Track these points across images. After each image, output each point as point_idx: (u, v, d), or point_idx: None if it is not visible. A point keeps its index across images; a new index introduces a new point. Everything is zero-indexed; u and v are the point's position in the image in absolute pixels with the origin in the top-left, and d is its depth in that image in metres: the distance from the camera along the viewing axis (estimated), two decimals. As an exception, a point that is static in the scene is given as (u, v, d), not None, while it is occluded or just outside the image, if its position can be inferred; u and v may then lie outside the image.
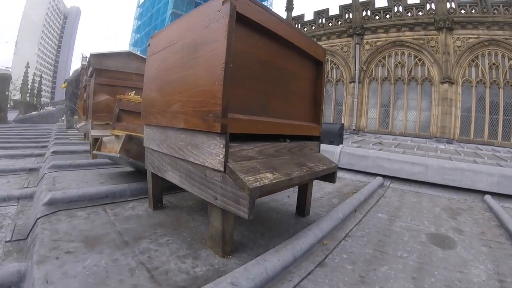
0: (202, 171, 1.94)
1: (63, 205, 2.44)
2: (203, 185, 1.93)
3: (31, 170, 4.09)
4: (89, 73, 5.78)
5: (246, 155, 1.96)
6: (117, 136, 3.50)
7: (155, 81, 2.48)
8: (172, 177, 2.23)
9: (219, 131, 1.75)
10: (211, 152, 1.86)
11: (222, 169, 1.78)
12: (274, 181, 1.84)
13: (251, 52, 1.99)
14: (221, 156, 1.79)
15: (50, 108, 32.31)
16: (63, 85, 12.25)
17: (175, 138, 2.16)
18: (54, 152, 5.07)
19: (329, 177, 2.90)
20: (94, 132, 4.98)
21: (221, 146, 1.80)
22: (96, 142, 4.03)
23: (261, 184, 1.72)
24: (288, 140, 2.49)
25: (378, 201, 3.83)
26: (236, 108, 1.88)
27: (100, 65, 5.20)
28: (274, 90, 2.37)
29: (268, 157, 2.20)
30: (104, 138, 3.77)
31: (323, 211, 3.14)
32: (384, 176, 5.18)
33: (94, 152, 3.70)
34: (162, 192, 2.73)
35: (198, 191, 1.95)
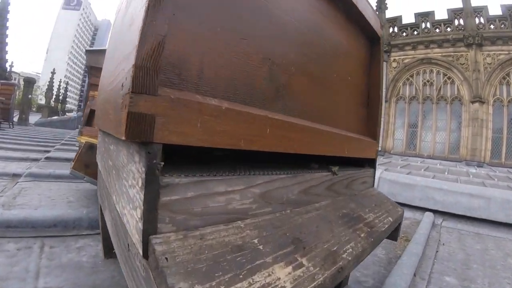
0: (125, 234, 0.88)
1: (-3, 229, 1.84)
2: (127, 265, 0.89)
3: (14, 175, 3.66)
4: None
5: (221, 210, 0.84)
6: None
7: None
8: (108, 221, 1.36)
9: (124, 137, 0.65)
10: (129, 194, 0.79)
11: (141, 251, 0.69)
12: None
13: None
14: (139, 211, 0.70)
15: (72, 114, 32.27)
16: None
17: (107, 152, 1.32)
18: (48, 158, 4.68)
19: (392, 233, 1.68)
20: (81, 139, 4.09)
21: (140, 181, 0.71)
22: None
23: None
24: (332, 169, 1.36)
25: (437, 251, 2.98)
26: (198, 78, 0.86)
27: (97, 63, 4.41)
28: (302, 64, 1.24)
29: (286, 207, 1.05)
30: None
31: (368, 277, 2.18)
32: (434, 211, 4.16)
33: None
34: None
35: (123, 268, 0.96)
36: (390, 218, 1.56)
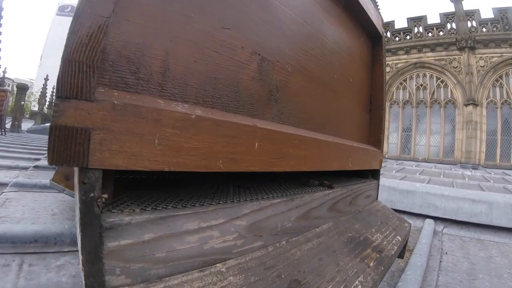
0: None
1: (-26, 245, 1.60)
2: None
3: (0, 185, 3.40)
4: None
5: (194, 252, 0.64)
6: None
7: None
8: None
9: (48, 162, 0.48)
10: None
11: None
12: None
13: None
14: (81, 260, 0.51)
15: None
16: None
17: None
18: (36, 167, 4.43)
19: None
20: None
21: (78, 222, 0.51)
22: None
23: None
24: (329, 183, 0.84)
25: (441, 262, 2.77)
26: (163, 76, 0.67)
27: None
28: (300, 61, 1.02)
29: (281, 238, 0.85)
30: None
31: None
32: (435, 218, 3.97)
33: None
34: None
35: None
36: (398, 237, 1.37)
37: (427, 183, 6.44)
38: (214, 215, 0.64)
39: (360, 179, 1.54)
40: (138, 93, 0.58)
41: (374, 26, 1.62)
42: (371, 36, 1.72)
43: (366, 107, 1.64)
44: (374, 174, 1.66)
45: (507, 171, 14.41)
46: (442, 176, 10.67)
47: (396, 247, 1.26)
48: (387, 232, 1.34)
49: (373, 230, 1.26)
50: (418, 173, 11.44)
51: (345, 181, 1.33)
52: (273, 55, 0.89)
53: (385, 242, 1.22)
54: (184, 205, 0.62)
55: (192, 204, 0.63)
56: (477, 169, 15.32)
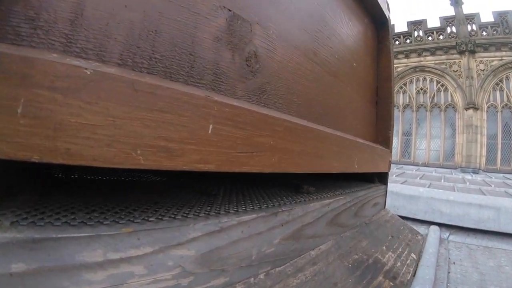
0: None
1: None
2: None
3: None
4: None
5: None
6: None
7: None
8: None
9: None
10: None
11: None
12: None
13: None
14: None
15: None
16: None
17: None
18: None
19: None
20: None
21: None
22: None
23: None
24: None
25: (449, 272, 2.43)
26: (72, 26, 0.40)
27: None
28: (290, 29, 0.79)
29: (258, 269, 0.57)
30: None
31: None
32: (440, 225, 3.65)
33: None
34: None
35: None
36: (413, 255, 1.11)
37: (428, 187, 6.27)
38: (132, 240, 0.38)
39: (365, 183, 1.28)
40: (33, 47, 0.33)
41: (379, 7, 1.37)
42: (376, 21, 1.47)
43: (372, 100, 1.38)
44: (381, 178, 1.40)
45: (507, 175, 14.10)
46: (442, 181, 10.45)
47: (411, 269, 1.01)
48: (400, 249, 1.08)
49: (384, 248, 1.00)
50: (418, 178, 11.19)
51: (347, 187, 1.07)
52: (250, 14, 0.63)
53: (398, 264, 0.96)
54: (82, 220, 0.37)
55: (109, 219, 0.38)
56: (477, 173, 15.01)
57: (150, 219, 0.43)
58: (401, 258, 1.02)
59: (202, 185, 0.80)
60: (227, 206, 0.58)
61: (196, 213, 0.49)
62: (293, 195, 0.77)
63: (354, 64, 1.18)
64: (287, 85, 0.73)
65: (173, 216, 0.46)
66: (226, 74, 0.56)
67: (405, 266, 0.99)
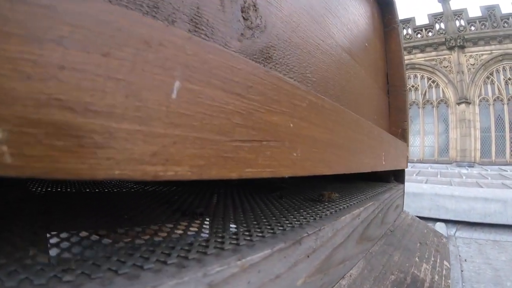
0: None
1: None
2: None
3: None
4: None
5: None
6: None
7: None
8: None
9: None
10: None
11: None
12: None
13: None
14: None
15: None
16: None
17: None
18: None
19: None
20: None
21: None
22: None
23: None
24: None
25: (462, 271, 2.53)
26: None
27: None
28: None
29: None
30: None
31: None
32: (446, 221, 3.66)
33: None
34: None
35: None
36: (446, 263, 0.92)
37: (425, 183, 6.26)
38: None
39: (383, 183, 1.10)
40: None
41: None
42: (380, 2, 1.29)
43: (384, 88, 1.21)
44: (398, 176, 1.22)
45: (503, 167, 14.08)
46: (439, 176, 10.43)
47: (449, 281, 0.82)
48: (433, 258, 0.89)
49: (417, 259, 0.81)
50: (415, 174, 11.13)
51: (368, 189, 0.88)
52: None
53: (436, 277, 0.78)
54: None
55: None
56: (473, 167, 15.02)
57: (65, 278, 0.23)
58: (437, 269, 0.83)
59: (185, 196, 0.60)
60: (220, 237, 0.37)
61: (162, 261, 0.29)
62: (312, 205, 0.58)
63: (366, 44, 0.99)
64: (299, 54, 0.53)
65: (114, 270, 0.26)
66: (211, 25, 0.36)
67: (443, 278, 0.80)
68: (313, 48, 0.58)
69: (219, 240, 0.35)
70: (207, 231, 0.39)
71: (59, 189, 0.74)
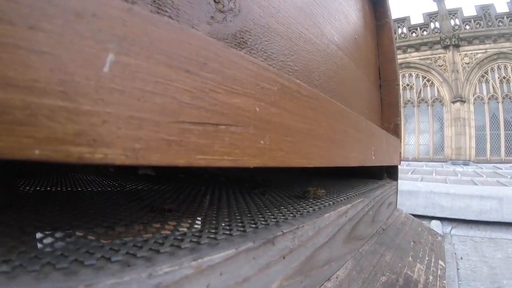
0: None
1: None
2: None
3: None
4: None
5: None
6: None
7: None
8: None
9: None
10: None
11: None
12: None
13: None
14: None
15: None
16: None
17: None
18: None
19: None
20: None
21: None
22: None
23: None
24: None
25: (458, 269, 2.49)
26: None
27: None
28: None
29: None
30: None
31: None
32: (441, 219, 3.63)
33: None
34: None
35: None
36: (441, 262, 0.89)
37: (420, 181, 6.31)
38: None
39: (375, 180, 1.07)
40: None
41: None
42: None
43: (375, 82, 1.17)
44: (390, 173, 1.19)
45: (498, 165, 14.14)
46: (434, 174, 10.45)
47: (444, 281, 0.79)
48: (427, 258, 0.86)
49: (410, 259, 0.78)
50: (410, 172, 11.19)
51: (359, 185, 0.85)
52: None
53: (431, 278, 0.74)
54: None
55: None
56: (468, 165, 15.08)
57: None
58: (431, 269, 0.80)
59: (161, 193, 0.56)
60: (180, 234, 0.34)
61: (107, 258, 0.25)
62: (295, 202, 0.54)
63: (356, 37, 0.96)
64: (278, 41, 0.49)
65: (53, 264, 0.24)
66: (176, 7, 0.32)
67: (438, 279, 0.77)
68: (295, 35, 0.55)
69: (178, 238, 0.32)
70: (169, 228, 0.36)
71: (28, 188, 0.72)
